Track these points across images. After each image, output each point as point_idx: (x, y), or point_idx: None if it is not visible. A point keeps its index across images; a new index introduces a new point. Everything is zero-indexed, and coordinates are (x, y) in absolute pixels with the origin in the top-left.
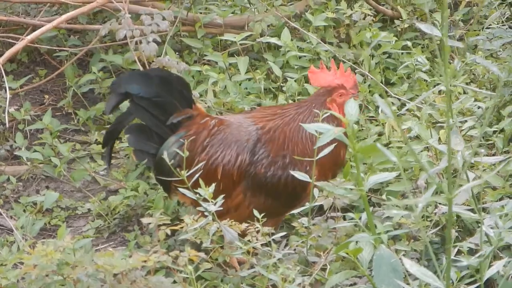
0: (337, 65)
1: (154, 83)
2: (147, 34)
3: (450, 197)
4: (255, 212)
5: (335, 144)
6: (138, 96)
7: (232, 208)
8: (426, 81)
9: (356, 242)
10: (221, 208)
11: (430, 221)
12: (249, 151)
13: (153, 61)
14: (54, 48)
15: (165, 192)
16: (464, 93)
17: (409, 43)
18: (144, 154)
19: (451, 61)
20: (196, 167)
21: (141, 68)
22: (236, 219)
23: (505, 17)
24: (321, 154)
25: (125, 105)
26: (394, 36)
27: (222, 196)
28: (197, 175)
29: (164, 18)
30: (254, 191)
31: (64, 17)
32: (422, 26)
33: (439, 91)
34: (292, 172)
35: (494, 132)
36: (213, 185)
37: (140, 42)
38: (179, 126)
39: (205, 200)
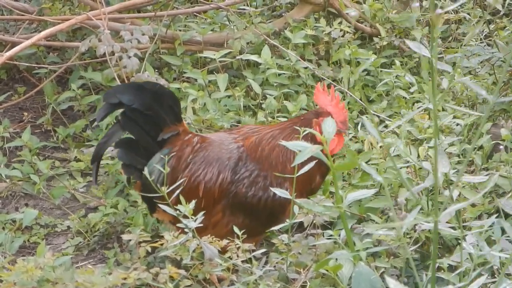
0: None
1: (147, 96)
2: (127, 49)
3: (436, 219)
4: (235, 229)
5: (313, 163)
6: (130, 108)
7: (210, 225)
8: (405, 98)
9: (336, 259)
10: (201, 225)
11: (410, 238)
12: (230, 169)
13: (132, 77)
14: (33, 65)
15: (149, 210)
16: (443, 110)
17: (397, 62)
18: (132, 168)
19: (430, 79)
20: (177, 184)
21: None
22: (216, 236)
23: (483, 35)
24: (301, 171)
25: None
26: (373, 53)
27: (202, 213)
28: (177, 192)
29: (143, 34)
30: (234, 210)
31: (43, 33)
32: (411, 44)
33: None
34: (272, 189)
35: (473, 149)
36: (193, 202)
37: (121, 58)
38: (166, 142)
39: (185, 216)
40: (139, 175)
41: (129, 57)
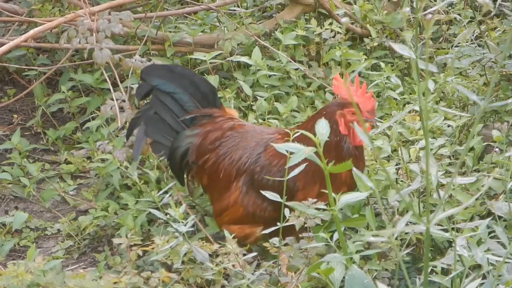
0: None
1: (176, 79)
2: (100, 40)
3: (428, 225)
4: (226, 233)
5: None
6: (158, 88)
7: (230, 204)
8: (396, 99)
9: (328, 262)
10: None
11: (402, 240)
12: (252, 156)
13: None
14: (23, 67)
15: (179, 183)
16: (435, 111)
17: (382, 64)
18: (160, 146)
19: (421, 80)
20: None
21: (111, 88)
22: (230, 217)
23: (474, 35)
24: (292, 174)
25: None
26: (363, 54)
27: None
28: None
29: (121, 19)
30: (248, 187)
31: (32, 32)
32: (396, 46)
33: (409, 110)
34: (263, 193)
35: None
36: (184, 206)
37: (92, 50)
38: (196, 123)
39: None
40: (167, 153)
41: (101, 49)
